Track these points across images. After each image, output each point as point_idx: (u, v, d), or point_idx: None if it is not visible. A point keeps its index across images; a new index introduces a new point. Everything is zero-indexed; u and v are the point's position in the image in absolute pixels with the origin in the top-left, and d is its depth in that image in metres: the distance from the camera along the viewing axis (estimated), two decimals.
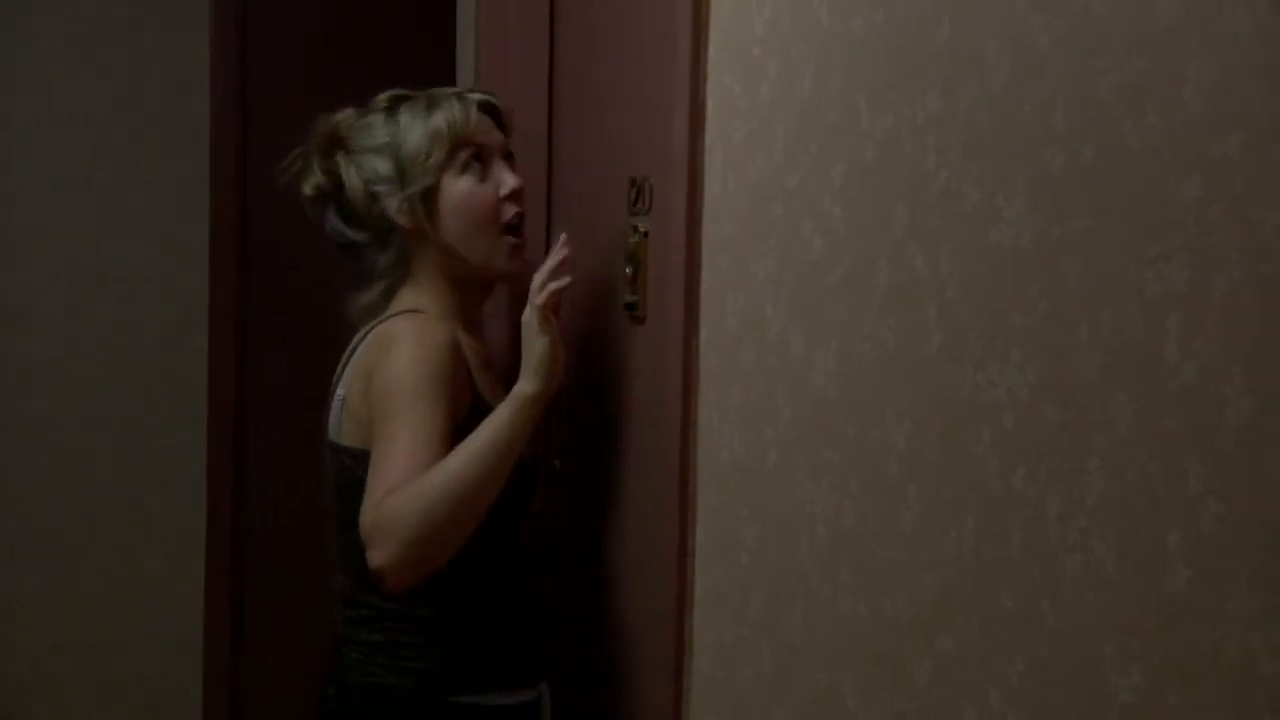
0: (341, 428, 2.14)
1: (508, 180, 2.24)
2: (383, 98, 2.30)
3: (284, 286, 4.08)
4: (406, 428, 1.99)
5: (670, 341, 1.99)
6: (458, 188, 2.21)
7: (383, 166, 2.24)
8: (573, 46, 2.64)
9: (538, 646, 2.26)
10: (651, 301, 2.16)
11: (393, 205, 2.22)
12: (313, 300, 3.36)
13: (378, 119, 2.27)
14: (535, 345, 2.08)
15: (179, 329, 4.05)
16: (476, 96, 2.29)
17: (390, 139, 2.24)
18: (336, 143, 2.29)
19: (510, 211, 2.24)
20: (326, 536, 2.23)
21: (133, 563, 4.03)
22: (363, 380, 2.10)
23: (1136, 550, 1.13)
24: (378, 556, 1.94)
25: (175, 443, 4.05)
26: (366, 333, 2.21)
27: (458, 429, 2.06)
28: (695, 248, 1.95)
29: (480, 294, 2.32)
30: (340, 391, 2.17)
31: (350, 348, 2.24)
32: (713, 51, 1.92)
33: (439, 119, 2.22)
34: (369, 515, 1.95)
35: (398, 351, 2.07)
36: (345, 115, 2.30)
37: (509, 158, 2.30)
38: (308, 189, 2.30)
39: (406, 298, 2.23)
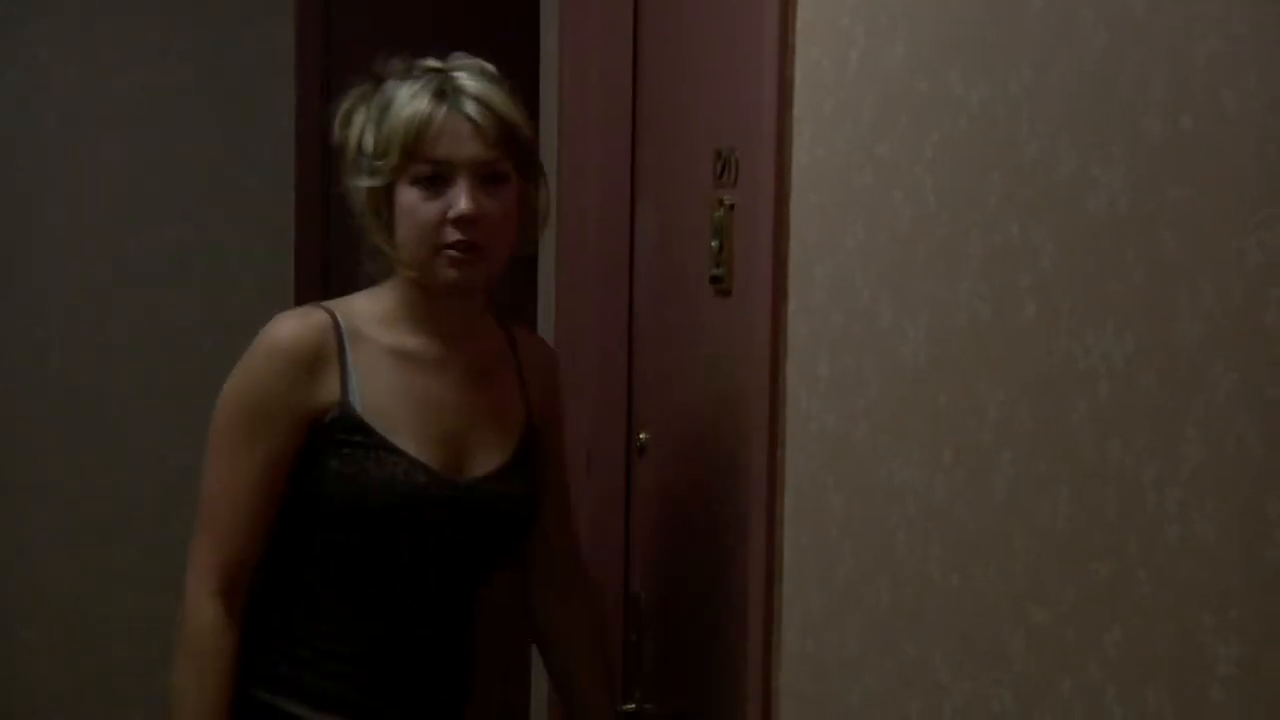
0: None
1: (458, 203, 1.97)
2: (401, 64, 2.06)
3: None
4: (214, 475, 2.00)
5: (757, 313, 2.00)
6: (404, 197, 1.99)
7: (353, 142, 2.06)
8: (658, 18, 2.64)
9: (364, 682, 2.07)
10: (738, 274, 2.16)
11: (349, 188, 2.06)
12: None
13: (385, 85, 2.04)
14: None
15: (263, 307, 4.09)
16: (466, 105, 2.00)
17: (370, 116, 2.04)
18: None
19: (451, 236, 1.98)
20: None
21: None
22: None
23: (1235, 519, 1.12)
24: (180, 612, 2.00)
25: None
26: None
27: (317, 433, 2.00)
28: (783, 219, 1.95)
29: (455, 299, 2.08)
30: None
31: None
32: (800, 22, 1.92)
33: (400, 120, 1.99)
34: (190, 582, 1.99)
35: (237, 368, 2.03)
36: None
37: (490, 178, 2.01)
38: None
39: (362, 290, 2.11)
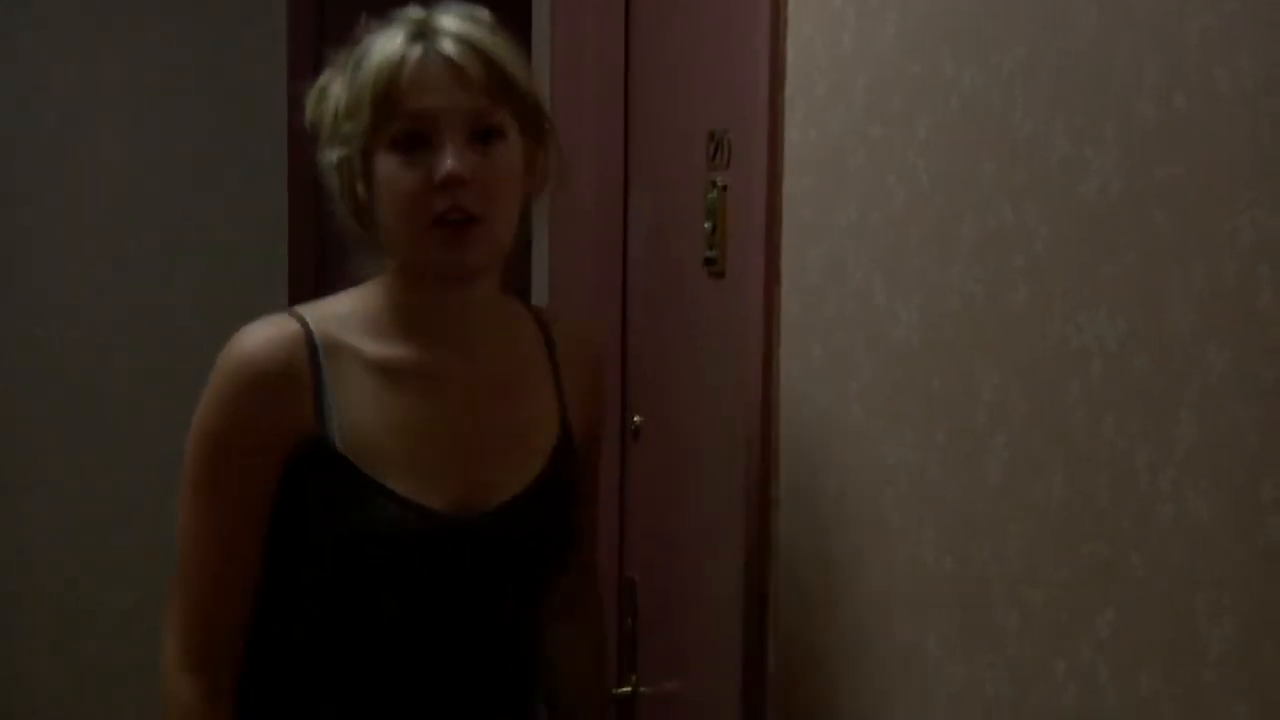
0: None
1: (443, 164, 1.61)
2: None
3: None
4: (182, 528, 1.69)
5: (751, 295, 1.99)
6: (382, 165, 1.65)
7: (329, 114, 1.72)
8: (651, 1, 2.63)
9: None
10: (731, 256, 2.15)
11: (322, 166, 1.73)
12: None
13: (362, 42, 1.71)
14: None
15: (260, 301, 4.08)
16: (445, 44, 1.65)
17: (344, 80, 1.70)
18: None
19: (442, 203, 1.62)
20: None
21: None
22: None
23: (1229, 501, 1.12)
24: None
25: None
26: None
27: (293, 467, 1.67)
28: (775, 200, 1.95)
29: (456, 289, 1.73)
30: None
31: None
32: (792, 2, 1.91)
33: (369, 70, 1.65)
34: (165, 657, 1.69)
35: (202, 400, 1.69)
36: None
37: (483, 133, 1.66)
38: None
39: (352, 288, 1.78)
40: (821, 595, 1.84)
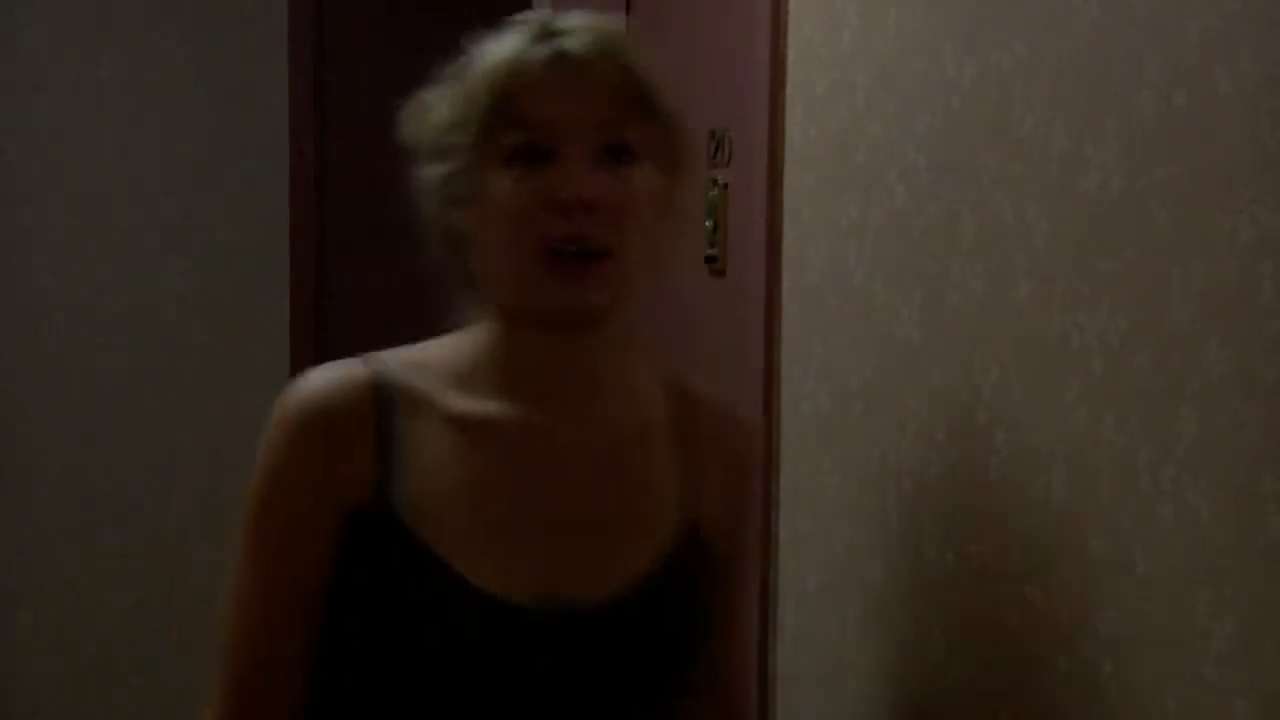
0: None
1: (567, 181, 1.32)
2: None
3: (363, 245, 4.12)
4: (231, 590, 1.43)
5: (752, 293, 1.99)
6: (491, 184, 1.34)
7: (431, 128, 1.42)
8: None
9: None
10: (732, 254, 2.16)
11: (420, 187, 1.42)
12: (393, 261, 3.39)
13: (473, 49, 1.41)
14: None
15: (260, 298, 4.09)
16: (574, 46, 1.36)
17: (451, 88, 1.40)
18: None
19: (558, 227, 1.32)
20: None
21: (212, 515, 4.09)
22: None
23: (1230, 497, 1.12)
24: None
25: (256, 397, 4.10)
26: None
27: (346, 539, 1.36)
28: (776, 199, 1.95)
29: (572, 337, 1.40)
30: None
31: None
32: (793, 2, 1.91)
33: (483, 72, 1.37)
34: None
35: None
36: None
37: (612, 150, 1.35)
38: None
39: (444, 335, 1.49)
40: (825, 593, 1.84)
